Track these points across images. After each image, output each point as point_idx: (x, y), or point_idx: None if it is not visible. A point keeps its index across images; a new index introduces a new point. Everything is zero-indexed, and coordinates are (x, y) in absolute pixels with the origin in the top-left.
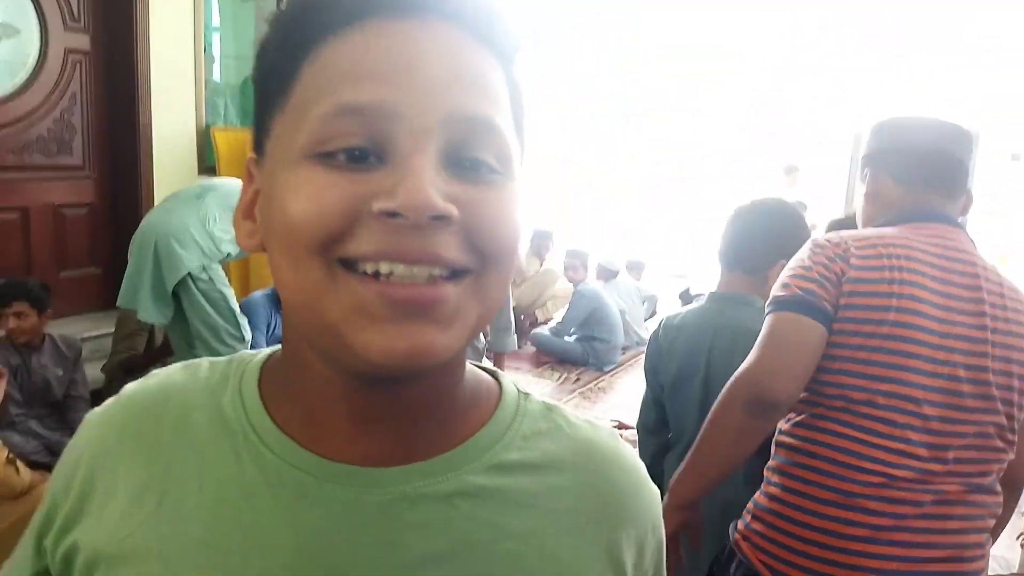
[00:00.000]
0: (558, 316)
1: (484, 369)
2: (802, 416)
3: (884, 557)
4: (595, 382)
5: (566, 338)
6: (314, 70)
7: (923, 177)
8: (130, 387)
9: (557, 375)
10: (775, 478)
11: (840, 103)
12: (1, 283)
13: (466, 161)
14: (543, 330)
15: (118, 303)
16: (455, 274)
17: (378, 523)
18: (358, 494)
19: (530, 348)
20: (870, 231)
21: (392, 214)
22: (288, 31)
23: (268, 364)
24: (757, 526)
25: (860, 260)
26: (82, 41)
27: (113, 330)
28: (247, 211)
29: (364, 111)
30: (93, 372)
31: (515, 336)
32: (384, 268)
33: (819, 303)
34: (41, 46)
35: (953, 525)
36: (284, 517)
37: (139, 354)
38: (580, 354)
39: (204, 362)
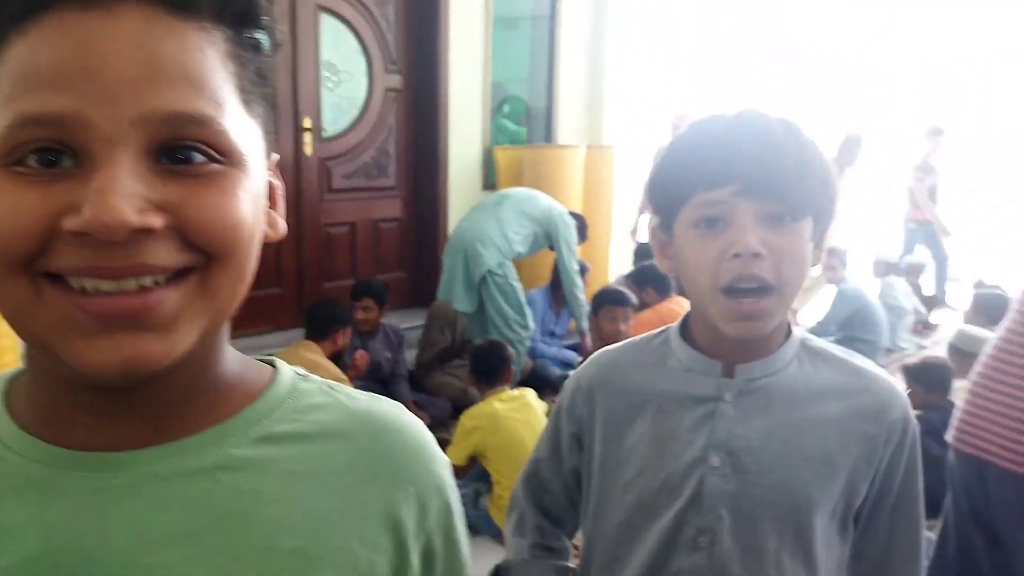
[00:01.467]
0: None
1: (265, 360)
2: None
3: None
4: None
5: (827, 339)
6: (1, 73)
7: None
8: None
9: None
10: None
11: None
12: (355, 283)
13: (178, 153)
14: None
15: (438, 294)
16: (177, 275)
17: (126, 505)
18: (106, 479)
19: None
20: None
21: (84, 233)
22: None
23: (16, 374)
24: None
25: None
26: (397, 81)
27: (417, 324)
28: None
29: (47, 122)
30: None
31: None
32: (89, 285)
33: None
34: (369, 87)
35: None
36: (29, 513)
37: (449, 345)
38: None
39: None
